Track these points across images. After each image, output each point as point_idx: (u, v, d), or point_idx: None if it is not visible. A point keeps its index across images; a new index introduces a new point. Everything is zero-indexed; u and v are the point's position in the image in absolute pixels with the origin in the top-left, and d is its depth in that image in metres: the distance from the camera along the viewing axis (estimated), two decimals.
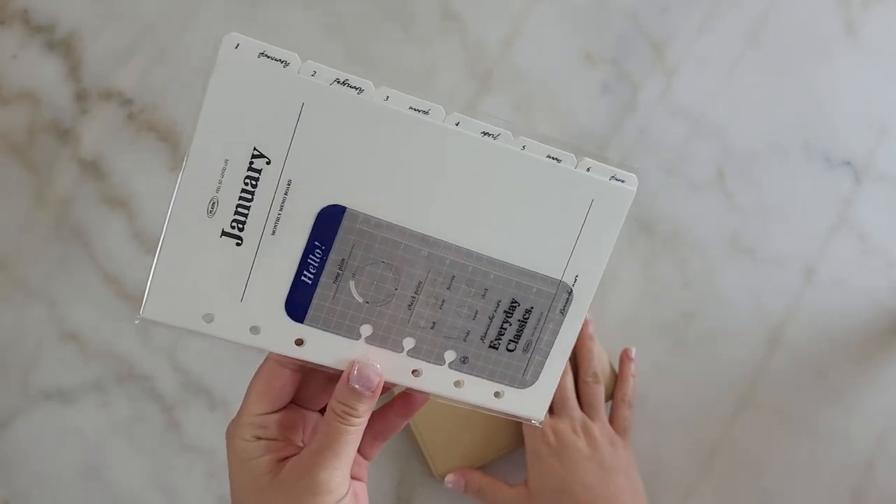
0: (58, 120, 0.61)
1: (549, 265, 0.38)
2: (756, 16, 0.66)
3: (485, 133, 0.36)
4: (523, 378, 0.40)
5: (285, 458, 0.37)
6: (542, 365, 0.40)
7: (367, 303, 0.37)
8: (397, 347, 0.38)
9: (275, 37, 0.63)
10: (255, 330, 0.36)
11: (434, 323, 0.38)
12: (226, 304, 0.36)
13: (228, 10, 0.63)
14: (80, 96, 0.62)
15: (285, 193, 0.35)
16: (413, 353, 0.38)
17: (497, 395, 0.40)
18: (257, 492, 0.37)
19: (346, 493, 0.37)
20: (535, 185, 0.37)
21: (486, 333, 0.39)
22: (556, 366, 0.40)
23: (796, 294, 0.63)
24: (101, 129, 0.61)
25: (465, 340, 0.39)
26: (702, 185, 0.64)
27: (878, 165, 0.65)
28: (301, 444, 0.39)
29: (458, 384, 0.39)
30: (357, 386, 0.36)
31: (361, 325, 0.37)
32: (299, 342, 0.37)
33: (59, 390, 0.59)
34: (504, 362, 0.40)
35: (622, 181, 0.38)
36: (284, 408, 0.39)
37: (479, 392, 0.40)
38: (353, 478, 0.40)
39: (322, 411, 0.41)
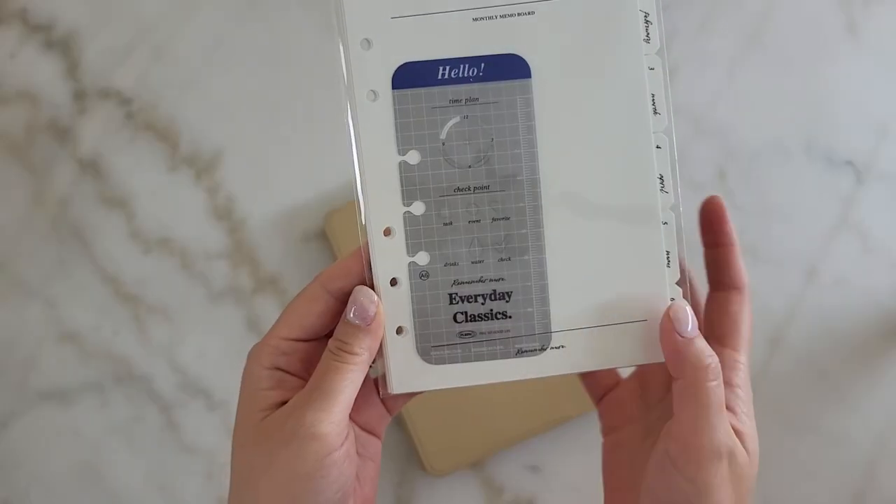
0: (56, 119, 0.61)
1: (562, 315, 0.35)
2: (757, 15, 0.66)
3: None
4: (427, 347, 0.35)
5: None
6: (455, 360, 0.36)
7: (443, 144, 0.34)
8: (406, 200, 0.34)
9: (274, 36, 0.63)
10: (365, 44, 0.34)
11: (451, 222, 0.35)
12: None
13: (227, 10, 0.63)
14: (79, 95, 0.62)
15: (516, 14, 0.34)
16: (410, 211, 0.35)
17: (399, 330, 0.35)
18: (248, 429, 0.33)
19: (341, 446, 0.32)
20: (638, 258, 0.36)
21: (463, 282, 0.35)
22: (462, 376, 0.36)
23: (798, 294, 0.63)
24: (99, 129, 0.61)
25: (450, 264, 0.35)
26: (703, 184, 0.64)
27: (879, 165, 0.65)
28: None
29: (394, 282, 0.35)
30: (350, 316, 0.33)
31: (412, 149, 0.34)
32: (372, 94, 0.34)
33: (57, 390, 0.59)
34: (441, 322, 0.35)
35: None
36: (315, 341, 0.35)
37: (394, 314, 0.35)
38: (367, 431, 0.36)
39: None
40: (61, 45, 0.62)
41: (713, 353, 0.34)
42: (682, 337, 0.33)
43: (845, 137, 0.65)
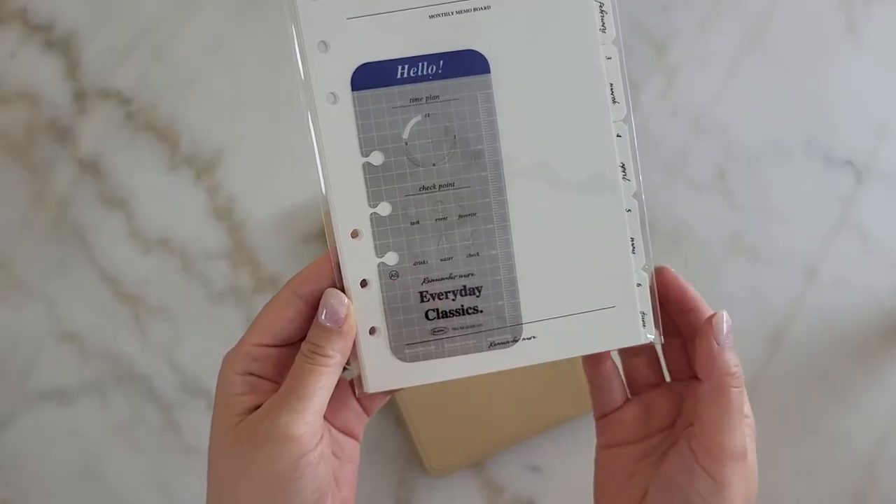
0: (56, 119, 0.61)
1: (532, 306, 0.36)
2: (757, 15, 0.66)
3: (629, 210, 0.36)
4: (400, 346, 0.35)
5: None
6: (429, 356, 0.36)
7: (405, 143, 0.34)
8: (372, 201, 0.35)
9: (274, 36, 0.63)
10: (322, 46, 0.34)
11: (418, 221, 0.35)
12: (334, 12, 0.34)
13: (227, 10, 0.63)
14: (79, 95, 0.62)
15: (472, 10, 0.34)
16: (376, 212, 0.35)
17: (372, 331, 0.35)
18: (223, 433, 0.34)
19: (315, 448, 0.32)
20: (604, 245, 0.36)
21: (433, 279, 0.35)
22: (437, 371, 0.36)
23: (797, 294, 0.63)
24: (99, 129, 0.61)
25: (419, 263, 0.35)
26: (703, 184, 0.64)
27: (879, 165, 0.65)
28: None
29: (364, 284, 0.35)
30: (322, 318, 0.33)
31: (375, 150, 0.34)
32: (332, 97, 0.34)
33: (57, 391, 0.59)
34: (413, 320, 0.35)
35: (644, 326, 0.36)
36: (288, 346, 0.35)
37: (366, 315, 0.35)
38: (345, 433, 0.37)
39: None
40: (61, 45, 0.62)
41: (739, 363, 0.36)
42: (718, 344, 0.36)
43: (845, 137, 0.65)
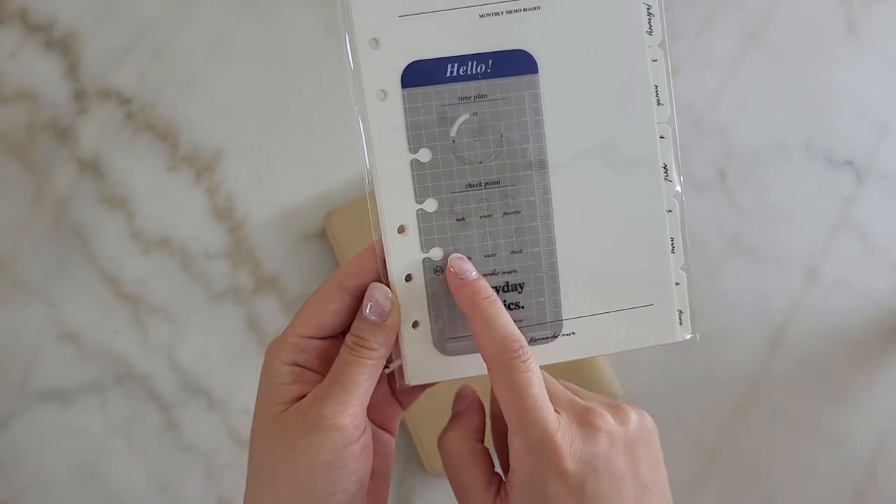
0: (56, 119, 0.61)
1: (572, 302, 0.36)
2: (758, 15, 0.66)
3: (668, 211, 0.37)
4: (442, 339, 0.36)
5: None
6: (470, 350, 0.36)
7: (453, 141, 0.35)
8: (419, 197, 0.35)
9: (274, 36, 0.63)
10: (373, 43, 0.34)
11: (464, 218, 0.35)
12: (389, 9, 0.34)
13: (227, 9, 0.63)
14: (79, 95, 0.62)
15: (521, 10, 0.35)
16: (423, 208, 0.35)
17: (415, 324, 0.36)
18: (267, 421, 0.34)
19: (358, 439, 0.33)
20: (644, 244, 0.36)
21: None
22: (477, 366, 0.36)
23: (798, 294, 0.63)
24: (99, 129, 0.61)
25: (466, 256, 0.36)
26: (703, 184, 0.64)
27: (879, 165, 0.65)
28: None
29: (408, 278, 0.35)
30: (367, 312, 0.34)
31: (423, 147, 0.35)
32: (381, 94, 0.34)
33: (57, 390, 0.59)
34: (455, 314, 0.36)
35: (680, 325, 0.37)
36: (332, 338, 0.36)
37: (409, 309, 0.35)
38: (381, 427, 0.37)
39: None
40: (61, 45, 0.62)
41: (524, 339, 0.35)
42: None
43: (845, 137, 0.65)
